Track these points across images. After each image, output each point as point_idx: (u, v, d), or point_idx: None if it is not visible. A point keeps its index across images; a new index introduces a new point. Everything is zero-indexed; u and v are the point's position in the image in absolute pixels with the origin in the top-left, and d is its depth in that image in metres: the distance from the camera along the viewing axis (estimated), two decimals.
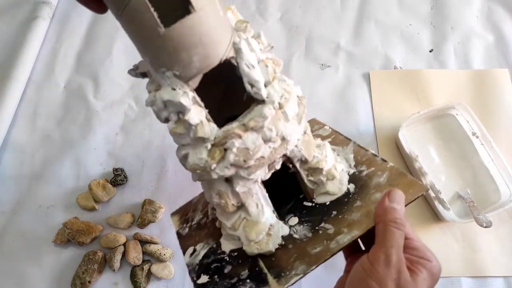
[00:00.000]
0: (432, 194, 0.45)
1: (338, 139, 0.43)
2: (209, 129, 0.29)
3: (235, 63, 0.29)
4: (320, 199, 0.37)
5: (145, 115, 0.56)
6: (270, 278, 0.33)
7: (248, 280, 0.33)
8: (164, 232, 0.48)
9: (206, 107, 0.30)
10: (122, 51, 0.61)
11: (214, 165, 0.30)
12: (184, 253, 0.40)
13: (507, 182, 0.47)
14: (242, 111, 0.31)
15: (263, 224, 0.34)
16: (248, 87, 0.29)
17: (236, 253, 0.36)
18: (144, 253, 0.46)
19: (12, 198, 0.51)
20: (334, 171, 0.36)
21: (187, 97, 0.28)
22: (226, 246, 0.37)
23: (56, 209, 0.50)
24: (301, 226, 0.35)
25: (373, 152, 0.39)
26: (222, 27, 0.28)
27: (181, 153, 0.31)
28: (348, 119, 0.54)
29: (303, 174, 0.36)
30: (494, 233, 0.46)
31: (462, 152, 0.50)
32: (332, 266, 0.46)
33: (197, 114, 0.28)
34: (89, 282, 0.44)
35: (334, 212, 0.35)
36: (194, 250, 0.39)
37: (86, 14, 0.65)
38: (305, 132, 0.34)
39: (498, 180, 0.48)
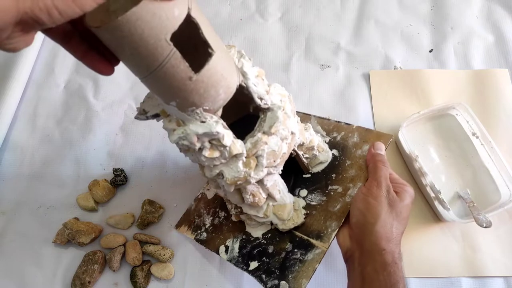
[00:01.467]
0: (432, 194, 0.45)
1: (299, 117, 0.48)
2: (239, 146, 0.33)
3: (244, 85, 0.33)
4: (315, 169, 0.44)
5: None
6: (313, 241, 0.39)
7: (295, 250, 0.40)
8: (164, 233, 0.48)
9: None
10: None
11: (252, 173, 0.34)
12: (217, 253, 0.43)
13: (507, 182, 0.47)
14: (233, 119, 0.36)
15: (289, 204, 0.41)
16: (258, 100, 0.34)
17: (269, 235, 0.42)
18: (144, 253, 0.46)
19: (12, 198, 0.51)
20: (322, 144, 0.45)
21: (220, 125, 0.31)
22: (257, 232, 0.43)
23: (56, 209, 0.50)
24: (313, 195, 0.43)
25: (334, 119, 0.47)
26: (230, 58, 0.32)
27: (214, 172, 0.35)
28: (348, 119, 0.54)
29: (301, 154, 0.42)
30: (494, 233, 0.46)
31: (462, 152, 0.50)
32: (332, 266, 0.46)
33: (228, 137, 0.32)
34: (89, 282, 0.44)
35: (333, 175, 0.43)
36: (227, 247, 0.43)
37: None
38: (298, 122, 0.40)
39: (498, 180, 0.48)
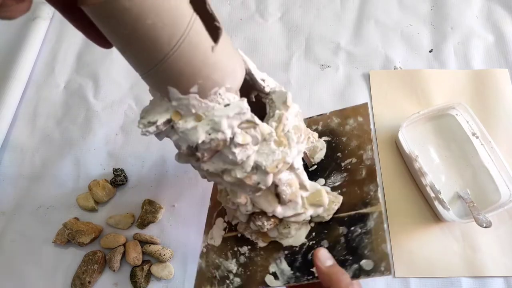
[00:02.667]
0: (432, 194, 0.45)
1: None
2: (265, 126, 0.30)
3: (246, 69, 0.31)
4: (317, 158, 0.43)
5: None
6: (364, 210, 0.36)
7: (352, 228, 0.35)
8: (164, 233, 0.48)
9: None
10: None
11: (288, 151, 0.31)
12: (266, 285, 0.36)
13: (507, 182, 0.47)
14: None
15: (321, 188, 0.37)
16: (261, 83, 0.33)
17: (314, 233, 0.37)
18: (144, 253, 0.46)
19: (12, 198, 0.51)
20: (315, 133, 0.43)
21: (245, 102, 0.28)
22: (299, 239, 0.37)
23: (56, 209, 0.50)
24: (331, 178, 0.41)
25: (315, 112, 0.48)
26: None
27: (247, 166, 0.31)
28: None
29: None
30: (494, 233, 0.46)
31: (462, 152, 0.50)
32: None
33: (251, 113, 0.29)
34: (89, 282, 0.44)
35: (339, 154, 0.42)
36: (274, 273, 0.36)
37: None
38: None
39: (498, 180, 0.48)
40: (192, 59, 0.24)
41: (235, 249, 0.39)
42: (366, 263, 0.32)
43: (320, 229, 0.37)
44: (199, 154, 0.30)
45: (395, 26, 0.61)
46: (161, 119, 0.28)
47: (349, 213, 0.37)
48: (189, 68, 0.25)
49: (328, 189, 0.39)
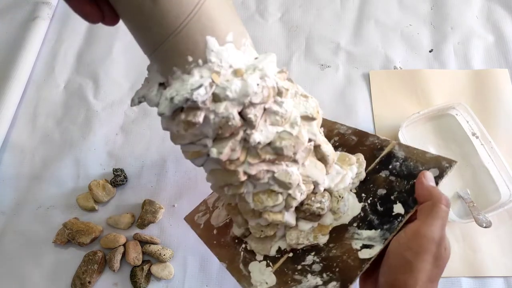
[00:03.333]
0: None
1: None
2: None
3: None
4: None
5: (145, 116, 0.56)
6: (384, 152, 0.36)
7: (390, 167, 0.35)
8: (164, 233, 0.48)
9: None
10: (122, 51, 0.61)
11: (314, 99, 0.31)
12: None
13: (507, 182, 0.47)
14: None
15: (340, 152, 0.37)
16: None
17: (363, 194, 0.36)
18: (144, 253, 0.46)
19: (12, 198, 0.50)
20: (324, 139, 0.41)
21: (272, 53, 0.28)
22: (354, 208, 0.35)
23: (56, 209, 0.50)
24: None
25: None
26: None
27: (295, 116, 0.29)
28: (348, 119, 0.54)
29: None
30: (494, 233, 0.46)
31: (462, 152, 0.50)
32: None
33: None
34: (89, 282, 0.44)
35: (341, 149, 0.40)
36: (366, 246, 0.33)
37: None
38: None
39: (497, 180, 0.48)
40: (222, 4, 0.24)
41: (299, 267, 0.34)
42: (431, 173, 0.33)
43: (366, 188, 0.36)
44: (251, 115, 0.26)
45: (395, 26, 0.61)
46: (205, 82, 0.24)
47: (375, 161, 0.37)
48: (223, 14, 0.24)
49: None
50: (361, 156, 0.37)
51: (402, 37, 0.60)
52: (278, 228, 0.35)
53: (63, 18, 0.65)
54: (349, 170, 0.36)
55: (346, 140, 0.40)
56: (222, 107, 0.25)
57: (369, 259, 0.31)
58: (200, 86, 0.24)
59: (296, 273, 0.34)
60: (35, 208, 0.50)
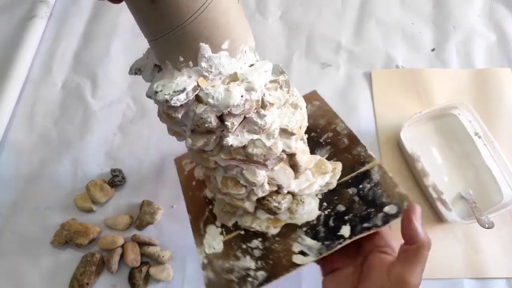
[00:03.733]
0: (434, 195, 0.45)
1: None
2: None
3: None
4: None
5: (144, 115, 0.55)
6: (363, 169, 0.37)
7: (361, 186, 0.37)
8: (163, 234, 0.47)
9: None
10: (120, 50, 0.61)
11: (303, 112, 0.32)
12: (296, 266, 0.35)
13: (510, 183, 0.46)
14: None
15: (321, 158, 0.38)
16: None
17: (325, 203, 0.37)
18: (142, 255, 0.45)
19: (9, 198, 0.50)
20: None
21: (268, 61, 0.28)
22: (311, 214, 0.37)
23: (53, 210, 0.49)
24: (316, 153, 0.40)
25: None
26: None
27: (275, 129, 0.30)
28: (349, 118, 0.54)
29: None
30: (496, 234, 0.46)
31: (464, 152, 0.50)
32: None
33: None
34: (87, 284, 0.43)
35: (313, 134, 0.42)
36: (301, 251, 0.35)
37: (83, 13, 0.64)
38: None
39: (500, 180, 0.47)
40: (227, 9, 0.24)
41: (244, 246, 0.38)
42: (389, 209, 0.34)
43: (330, 198, 0.37)
44: (228, 123, 0.27)
45: (397, 24, 0.61)
46: (189, 86, 0.25)
47: (351, 175, 0.38)
48: (224, 18, 0.24)
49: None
50: (338, 166, 0.38)
51: (403, 36, 0.60)
52: (238, 209, 0.37)
53: (61, 17, 0.64)
54: (320, 178, 0.36)
55: (338, 140, 0.41)
56: (201, 109, 0.26)
57: (299, 265, 0.34)
58: (183, 90, 0.24)
59: (240, 250, 0.37)
60: (33, 208, 0.49)
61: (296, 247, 0.36)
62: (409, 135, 0.49)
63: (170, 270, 0.45)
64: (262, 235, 0.38)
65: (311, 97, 0.45)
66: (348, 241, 0.34)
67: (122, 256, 0.45)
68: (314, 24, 0.61)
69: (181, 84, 0.25)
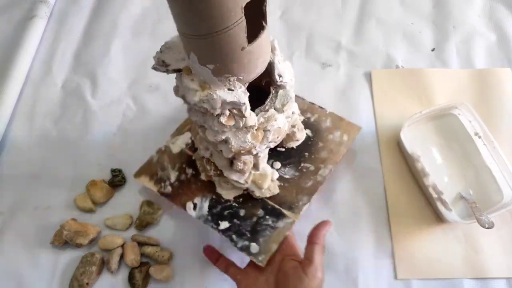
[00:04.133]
0: (434, 195, 0.45)
1: None
2: (254, 117, 0.34)
3: (271, 60, 0.34)
4: (289, 145, 0.47)
5: (144, 115, 0.55)
6: (285, 211, 0.43)
7: (267, 217, 0.43)
8: (163, 234, 0.47)
9: None
10: (120, 50, 0.61)
11: (258, 145, 0.36)
12: (184, 208, 0.44)
13: (510, 183, 0.46)
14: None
15: (269, 175, 0.44)
16: (276, 77, 0.36)
17: (241, 199, 0.45)
18: (142, 255, 0.45)
19: (9, 198, 0.50)
20: (300, 124, 0.47)
21: (247, 97, 0.32)
22: (227, 194, 0.45)
23: (53, 210, 0.49)
24: (286, 168, 0.46)
25: (309, 100, 0.51)
26: (269, 40, 0.33)
27: (219, 137, 0.35)
28: (350, 118, 0.54)
29: None
30: (496, 234, 0.46)
31: (464, 152, 0.50)
32: (333, 267, 0.45)
33: (248, 108, 0.33)
34: (87, 284, 0.43)
35: (306, 154, 0.47)
36: (195, 205, 0.45)
37: (83, 13, 0.64)
38: None
39: (500, 180, 0.47)
40: (221, 48, 0.28)
41: (184, 166, 0.47)
42: (254, 246, 0.41)
43: (247, 200, 0.44)
44: (188, 105, 0.35)
45: (397, 24, 0.61)
46: (173, 66, 0.32)
47: (275, 205, 0.44)
48: (214, 52, 0.28)
49: (276, 175, 0.45)
50: (273, 192, 0.44)
51: (403, 36, 0.60)
52: (213, 175, 0.44)
53: (61, 17, 0.64)
54: (247, 185, 0.43)
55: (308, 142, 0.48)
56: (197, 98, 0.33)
57: (183, 209, 0.44)
58: (168, 65, 0.33)
59: (178, 164, 0.47)
60: (33, 208, 0.49)
61: (197, 200, 0.45)
62: (409, 135, 0.49)
63: (170, 270, 0.45)
64: (197, 172, 0.46)
65: (350, 129, 0.49)
66: (216, 230, 0.43)
67: (122, 256, 0.45)
68: (314, 24, 0.61)
69: (171, 61, 0.33)
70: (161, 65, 0.33)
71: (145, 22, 0.63)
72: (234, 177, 0.42)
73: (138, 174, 0.48)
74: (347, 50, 0.59)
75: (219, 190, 0.45)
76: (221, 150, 0.38)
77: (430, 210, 0.47)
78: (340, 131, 0.48)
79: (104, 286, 0.45)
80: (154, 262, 0.45)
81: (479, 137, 0.49)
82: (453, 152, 0.50)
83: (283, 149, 0.48)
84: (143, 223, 0.47)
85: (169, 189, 0.46)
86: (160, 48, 0.34)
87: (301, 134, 0.47)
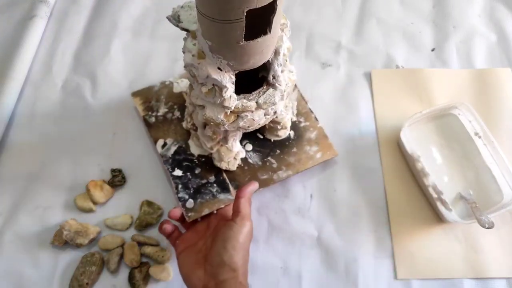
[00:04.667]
0: (434, 195, 0.45)
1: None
2: (233, 101, 0.37)
3: (270, 61, 0.36)
4: (269, 136, 0.49)
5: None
6: (231, 188, 0.46)
7: (214, 184, 0.46)
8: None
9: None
10: (120, 50, 0.61)
11: (227, 125, 0.39)
12: (154, 143, 0.49)
13: (510, 183, 0.46)
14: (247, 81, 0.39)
15: (233, 152, 0.46)
16: (270, 77, 0.38)
17: (204, 159, 0.48)
18: (142, 255, 0.45)
19: (9, 199, 0.50)
20: (287, 123, 0.48)
21: (231, 82, 0.35)
22: (195, 150, 0.48)
23: (53, 210, 0.49)
24: (254, 154, 0.49)
25: (310, 107, 0.51)
26: (275, 42, 0.35)
27: (198, 102, 0.39)
28: (349, 119, 0.54)
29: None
30: (496, 234, 0.46)
31: (464, 152, 0.50)
32: (333, 267, 0.45)
33: (231, 90, 0.36)
34: (87, 284, 0.43)
35: (278, 151, 0.49)
36: (165, 143, 0.49)
37: (83, 13, 0.64)
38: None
39: (500, 180, 0.47)
40: (221, 34, 0.31)
41: (174, 106, 0.51)
42: (190, 202, 0.45)
43: (207, 162, 0.48)
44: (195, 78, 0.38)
45: (397, 24, 0.61)
46: (184, 25, 0.36)
47: (226, 178, 0.47)
48: (216, 34, 0.32)
49: (243, 155, 0.48)
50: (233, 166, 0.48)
51: (404, 35, 0.60)
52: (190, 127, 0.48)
53: (61, 17, 0.64)
54: (214, 151, 0.47)
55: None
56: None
57: (154, 143, 0.49)
58: (187, 29, 0.37)
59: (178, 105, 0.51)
60: (33, 208, 0.49)
61: (169, 140, 0.49)
62: (409, 135, 0.49)
63: (170, 270, 0.45)
64: (182, 115, 0.50)
65: (326, 148, 0.49)
66: (168, 168, 0.47)
67: (122, 256, 0.45)
68: (314, 23, 0.61)
69: (185, 20, 0.37)
70: (175, 19, 0.36)
71: (145, 22, 0.63)
72: (203, 139, 0.45)
73: (135, 94, 0.52)
74: (347, 50, 0.59)
75: (190, 142, 0.48)
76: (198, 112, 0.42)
77: (430, 210, 0.47)
78: (318, 147, 0.49)
79: (104, 286, 0.45)
80: (154, 262, 0.45)
81: (479, 137, 0.49)
82: (453, 152, 0.50)
83: (261, 137, 0.49)
84: (143, 223, 0.47)
85: (152, 119, 0.50)
86: (182, 4, 0.37)
87: (283, 132, 0.48)
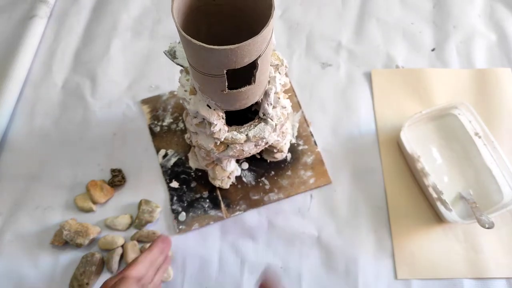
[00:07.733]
0: (434, 195, 0.45)
1: (292, 100, 0.53)
2: (223, 133, 0.38)
3: (260, 101, 0.38)
4: (266, 157, 0.50)
5: (143, 115, 0.55)
6: (222, 205, 0.48)
7: (207, 200, 0.48)
8: (163, 233, 0.47)
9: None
10: (120, 50, 0.60)
11: (216, 154, 0.40)
12: (157, 152, 0.51)
13: (510, 183, 0.46)
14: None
15: (228, 172, 0.47)
16: (261, 114, 0.39)
17: (200, 173, 0.49)
18: None
19: (9, 199, 0.50)
20: (284, 147, 0.48)
21: (219, 119, 0.36)
22: (193, 163, 0.50)
23: (53, 210, 0.49)
24: (249, 173, 0.49)
25: (311, 130, 0.52)
26: (264, 86, 0.36)
27: (192, 128, 0.41)
28: (349, 118, 0.54)
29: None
30: (497, 234, 0.46)
31: (464, 152, 0.50)
32: (333, 267, 0.45)
33: (220, 125, 0.37)
34: (87, 284, 0.43)
35: (273, 172, 0.49)
36: (166, 154, 0.50)
37: (83, 13, 0.64)
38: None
39: (500, 180, 0.47)
40: (207, 83, 0.32)
41: (180, 118, 0.53)
42: (182, 215, 0.47)
43: (203, 177, 0.49)
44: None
45: (397, 24, 0.61)
46: (179, 61, 0.37)
47: (219, 196, 0.48)
48: (204, 81, 0.33)
49: (238, 173, 0.49)
50: (225, 185, 0.49)
51: (404, 35, 0.60)
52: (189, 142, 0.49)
53: (60, 17, 0.64)
54: (209, 170, 0.48)
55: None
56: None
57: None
58: (181, 64, 0.38)
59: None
60: (33, 209, 0.49)
61: (170, 151, 0.51)
62: (409, 135, 0.49)
63: (170, 270, 0.45)
64: (186, 128, 0.51)
65: (321, 175, 0.50)
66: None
67: (122, 256, 0.45)
68: (314, 23, 0.61)
69: (180, 57, 0.37)
70: (171, 54, 0.37)
71: (145, 22, 0.63)
72: (199, 156, 0.47)
73: (144, 102, 0.54)
74: (347, 49, 0.59)
75: (189, 155, 0.50)
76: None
77: (430, 210, 0.47)
78: (312, 173, 0.49)
79: None
80: None
81: (479, 137, 0.49)
82: (453, 152, 0.50)
83: (259, 157, 0.50)
84: (142, 222, 0.47)
85: (157, 129, 0.52)
86: (179, 40, 0.37)
87: (280, 155, 0.49)
